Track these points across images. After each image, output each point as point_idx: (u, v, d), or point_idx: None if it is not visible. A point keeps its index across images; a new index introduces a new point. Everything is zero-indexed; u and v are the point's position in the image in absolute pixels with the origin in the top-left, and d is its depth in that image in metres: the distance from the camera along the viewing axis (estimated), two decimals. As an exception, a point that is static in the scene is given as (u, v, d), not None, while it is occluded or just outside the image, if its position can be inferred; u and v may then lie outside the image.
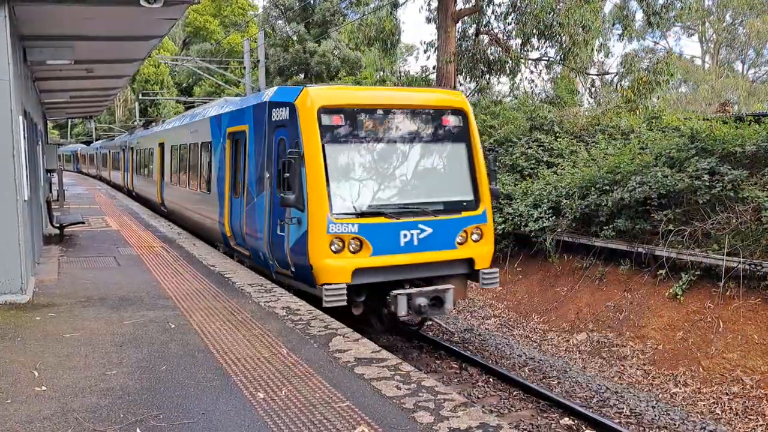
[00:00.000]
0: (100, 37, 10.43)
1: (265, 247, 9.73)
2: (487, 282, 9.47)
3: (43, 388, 5.16)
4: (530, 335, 11.37)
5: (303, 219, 8.58)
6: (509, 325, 11.95)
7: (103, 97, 20.98)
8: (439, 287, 8.90)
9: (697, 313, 9.69)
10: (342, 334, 6.66)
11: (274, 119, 9.54)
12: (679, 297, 10.06)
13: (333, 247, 8.41)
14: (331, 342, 6.35)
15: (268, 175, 9.62)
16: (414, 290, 8.69)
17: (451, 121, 9.64)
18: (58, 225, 14.02)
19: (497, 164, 13.48)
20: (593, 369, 9.72)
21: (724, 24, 44.43)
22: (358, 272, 8.50)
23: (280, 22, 34.43)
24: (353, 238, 8.46)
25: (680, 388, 8.73)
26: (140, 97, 49.43)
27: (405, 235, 8.70)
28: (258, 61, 29.06)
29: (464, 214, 9.24)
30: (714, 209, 10.27)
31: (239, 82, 32.68)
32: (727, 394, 8.31)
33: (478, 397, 8.26)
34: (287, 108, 9.12)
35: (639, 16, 20.67)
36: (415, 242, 8.74)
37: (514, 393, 8.45)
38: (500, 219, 13.69)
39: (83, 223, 14.71)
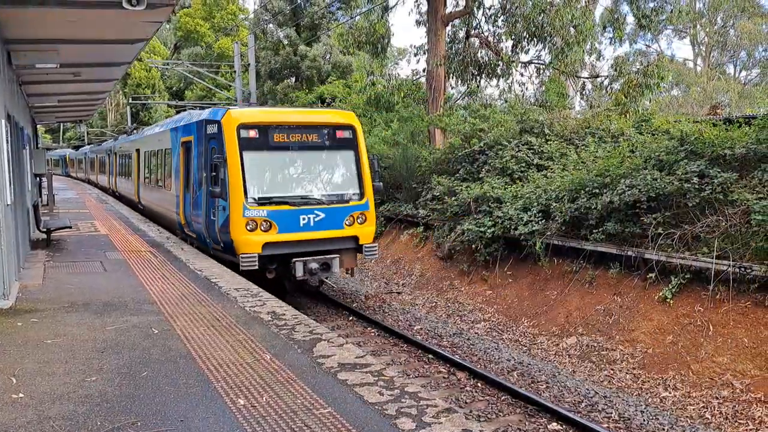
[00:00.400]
0: (86, 40, 10.33)
1: (203, 230, 12.68)
2: (368, 254, 12.44)
3: (21, 395, 5.06)
4: (520, 339, 11.32)
5: (226, 207, 11.45)
6: (498, 329, 11.89)
7: (92, 100, 20.85)
8: (327, 256, 11.81)
9: (686, 316, 9.65)
10: (327, 339, 6.58)
11: (208, 132, 12.36)
12: (668, 300, 10.02)
13: (248, 227, 11.32)
14: (315, 347, 6.28)
15: (204, 175, 12.43)
16: (308, 258, 11.60)
17: (343, 134, 12.52)
18: (45, 230, 13.89)
19: (495, 167, 15.29)
20: (582, 373, 9.67)
21: (715, 27, 44.67)
22: (267, 245, 11.38)
23: (270, 25, 34.35)
24: (264, 221, 11.38)
25: (670, 393, 8.68)
26: (131, 101, 49.23)
27: (304, 219, 11.64)
28: (249, 64, 28.97)
29: (351, 203, 12.23)
30: (703, 212, 10.24)
31: (230, 86, 32.58)
32: (717, 398, 8.26)
33: (466, 402, 8.19)
34: (216, 124, 11.99)
35: (630, 19, 20.71)
36: (312, 224, 11.70)
37: (503, 398, 8.39)
38: (490, 222, 13.65)
39: (70, 227, 14.58)
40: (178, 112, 48.77)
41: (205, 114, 13.17)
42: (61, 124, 71.24)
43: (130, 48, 11.38)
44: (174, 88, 50.49)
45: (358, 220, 12.25)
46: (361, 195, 12.38)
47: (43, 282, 9.67)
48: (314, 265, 11.61)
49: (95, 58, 12.17)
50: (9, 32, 9.32)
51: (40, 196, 23.27)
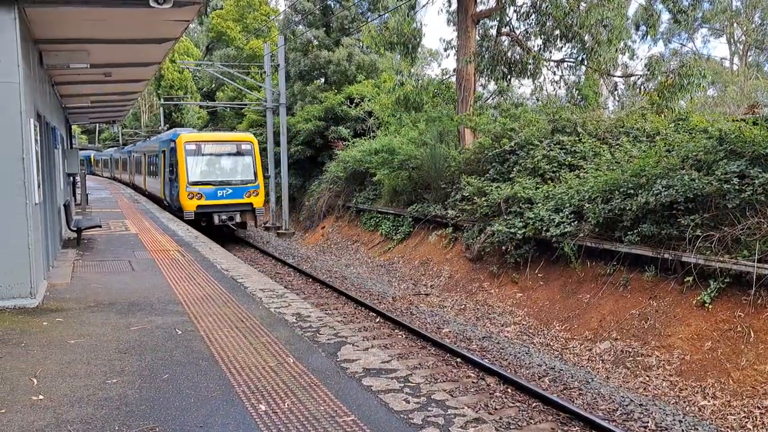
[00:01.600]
0: (115, 39, 10.33)
1: (169, 200, 22.26)
2: (258, 213, 21.78)
3: (40, 397, 5.00)
4: (551, 343, 11.02)
5: (177, 186, 20.52)
6: (529, 333, 11.61)
7: (124, 101, 21.02)
8: (232, 213, 20.76)
9: (726, 322, 9.27)
10: (352, 342, 6.42)
11: (170, 146, 21.74)
12: (707, 305, 9.65)
13: (189, 197, 20.18)
14: (340, 351, 6.12)
15: (170, 169, 21.76)
16: (222, 213, 20.51)
17: (245, 146, 21.93)
18: (75, 228, 14.00)
19: (521, 167, 14.68)
20: (617, 380, 9.36)
21: (752, 25, 43.46)
22: (199, 207, 20.19)
23: (300, 27, 34.36)
24: (197, 194, 20.20)
25: (709, 401, 8.33)
26: (163, 102, 49.87)
27: (220, 192, 20.69)
28: (278, 65, 29.02)
29: (249, 184, 21.28)
30: (744, 214, 9.84)
31: (260, 87, 32.68)
32: (758, 407, 7.90)
33: (495, 409, 7.95)
34: (174, 141, 21.25)
35: (665, 18, 20.16)
36: (225, 195, 20.76)
37: (533, 404, 8.13)
38: (520, 224, 13.37)
39: (100, 226, 14.69)
40: (209, 114, 49.43)
41: (170, 135, 23.31)
42: (97, 125, 72.73)
43: (159, 48, 11.37)
44: (205, 90, 50.91)
45: (253, 194, 21.55)
46: (255, 180, 21.76)
47: (71, 281, 9.69)
48: (224, 217, 20.93)
49: (125, 58, 12.20)
50: (39, 32, 9.35)
51: (74, 196, 23.62)
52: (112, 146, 66.68)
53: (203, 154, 21.17)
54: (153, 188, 27.44)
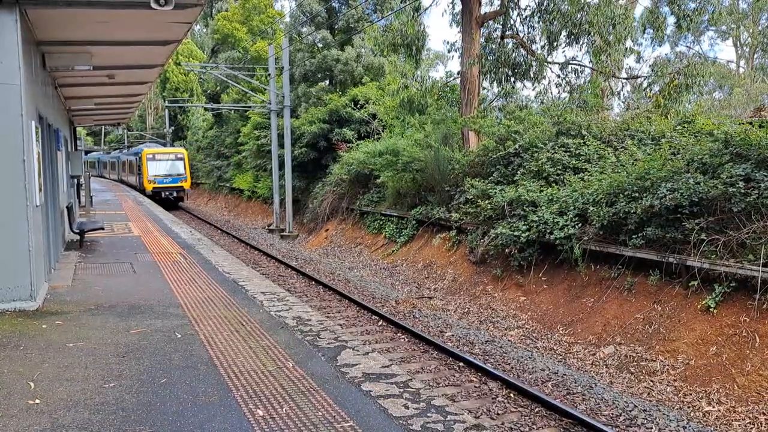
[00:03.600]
0: (117, 41, 10.32)
1: (139, 185, 40.26)
2: (186, 193, 40.11)
3: (37, 401, 4.96)
4: (555, 348, 10.94)
5: (142, 178, 38.95)
6: (533, 337, 11.54)
7: (128, 103, 21.01)
8: (173, 191, 38.57)
9: (731, 327, 9.18)
10: (352, 347, 6.37)
11: (138, 156, 40.90)
12: (712, 310, 9.56)
13: (149, 183, 37.95)
14: (340, 355, 6.07)
15: (138, 169, 40.40)
16: (166, 192, 38.21)
17: (179, 155, 39.75)
18: (78, 231, 14.00)
19: (523, 170, 14.98)
20: (620, 384, 9.27)
21: (759, 27, 43.25)
22: (154, 189, 37.76)
23: (305, 28, 34.31)
24: (152, 181, 37.96)
25: (713, 407, 8.24)
26: (168, 104, 50.02)
27: (165, 180, 38.33)
28: (282, 68, 28.99)
29: (180, 176, 38.78)
30: (749, 218, 9.75)
31: (264, 89, 32.67)
32: (764, 413, 7.81)
33: (498, 414, 7.88)
34: (140, 154, 39.79)
35: (671, 20, 20.05)
36: (168, 182, 38.41)
37: (536, 409, 8.05)
38: (524, 227, 13.29)
39: (102, 229, 14.68)
40: (214, 116, 49.52)
41: (139, 149, 41.41)
42: (102, 126, 73.29)
43: (162, 50, 11.35)
44: (210, 92, 50.95)
45: (183, 181, 38.56)
46: (184, 174, 38.73)
47: (71, 283, 9.67)
48: (167, 194, 37.82)
49: (128, 60, 12.18)
50: (42, 33, 9.34)
51: (78, 198, 23.63)
52: (117, 148, 70.77)
53: (156, 160, 38.58)
54: (130, 179, 45.52)
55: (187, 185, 39.17)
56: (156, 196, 37.12)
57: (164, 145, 50.79)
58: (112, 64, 12.18)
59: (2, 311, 7.70)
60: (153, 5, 7.60)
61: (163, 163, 38.57)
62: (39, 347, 6.35)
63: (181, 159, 39.17)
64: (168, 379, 5.42)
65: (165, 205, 34.92)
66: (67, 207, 14.41)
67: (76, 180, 22.18)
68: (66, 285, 9.50)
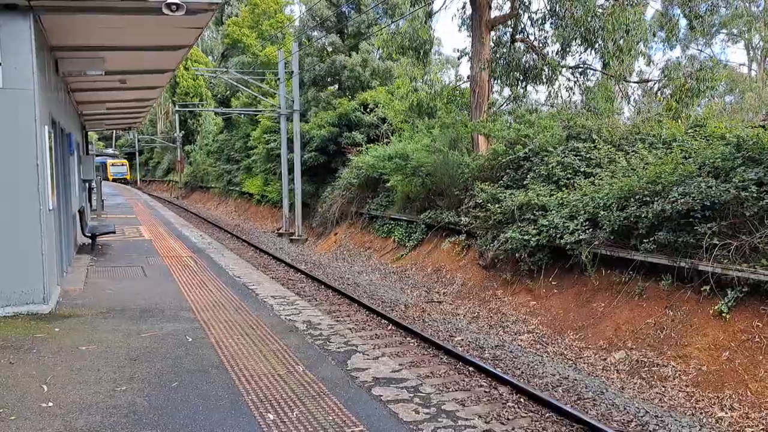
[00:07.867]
0: (129, 47, 10.41)
1: (104, 177, 57.20)
2: (129, 182, 75.61)
3: (50, 404, 5.00)
4: (565, 353, 10.89)
5: (106, 173, 65.69)
6: (543, 342, 11.49)
7: (139, 108, 21.18)
8: (121, 179, 72.76)
9: (744, 332, 9.11)
10: (362, 351, 6.37)
11: (104, 162, 62.60)
12: (724, 315, 9.48)
13: (112, 176, 70.46)
14: (350, 359, 6.07)
15: (104, 169, 63.73)
16: (119, 178, 72.35)
17: (125, 162, 76.59)
18: (89, 234, 14.09)
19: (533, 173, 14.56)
20: (632, 390, 9.22)
21: (771, 30, 42.97)
22: (113, 179, 68.62)
23: (315, 33, 34.44)
24: (112, 175, 70.77)
25: (726, 413, 8.18)
26: (178, 108, 50.32)
27: (117, 174, 71.98)
28: (292, 72, 29.10)
29: (125, 172, 74.35)
30: (762, 222, 9.67)
31: (274, 93, 32.80)
32: (777, 420, 7.74)
33: (507, 419, 7.85)
34: (105, 162, 67.78)
35: (683, 23, 19.98)
36: (118, 174, 72.16)
37: (547, 415, 8.02)
38: (534, 231, 13.25)
39: (114, 232, 14.78)
40: (224, 120, 49.78)
41: (103, 159, 66.04)
42: (113, 131, 74.70)
43: (174, 55, 11.44)
44: (220, 96, 51.23)
45: (127, 175, 73.55)
46: (127, 172, 74.00)
47: (83, 287, 9.74)
48: (120, 179, 69.92)
49: (140, 65, 12.28)
50: (55, 39, 9.44)
51: (90, 202, 23.79)
52: (128, 153, 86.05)
53: (113, 165, 70.02)
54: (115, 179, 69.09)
55: (128, 177, 73.14)
56: (113, 182, 64.78)
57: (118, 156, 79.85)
58: (124, 69, 12.28)
59: (15, 314, 7.76)
60: (165, 11, 7.66)
61: (119, 167, 72.41)
62: (52, 350, 6.39)
63: (125, 165, 74.23)
64: (179, 383, 5.44)
65: (120, 188, 56.46)
66: (78, 211, 14.51)
67: (87, 184, 22.36)
68: (78, 288, 9.57)
